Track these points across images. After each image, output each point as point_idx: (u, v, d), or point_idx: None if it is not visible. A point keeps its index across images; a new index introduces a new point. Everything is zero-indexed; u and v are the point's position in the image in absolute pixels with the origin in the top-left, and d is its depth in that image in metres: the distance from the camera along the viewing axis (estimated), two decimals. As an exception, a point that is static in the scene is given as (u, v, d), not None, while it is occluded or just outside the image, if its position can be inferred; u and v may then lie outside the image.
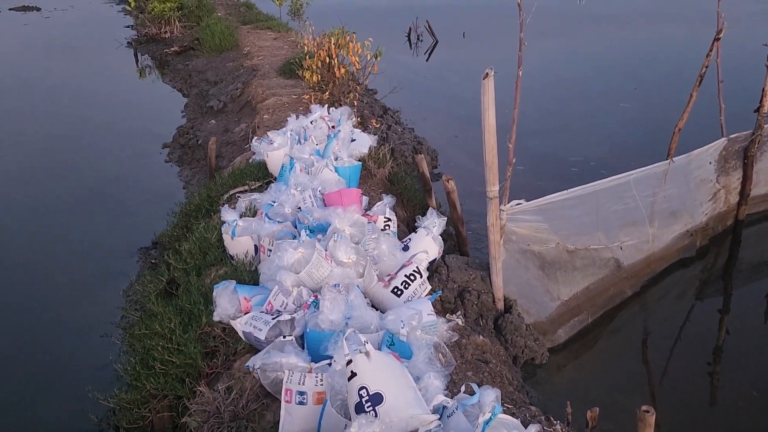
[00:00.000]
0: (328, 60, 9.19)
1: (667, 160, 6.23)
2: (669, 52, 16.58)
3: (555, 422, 3.43)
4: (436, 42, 19.73)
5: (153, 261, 6.60)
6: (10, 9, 28.49)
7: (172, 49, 18.14)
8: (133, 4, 23.35)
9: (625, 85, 14.01)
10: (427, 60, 18.31)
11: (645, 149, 8.72)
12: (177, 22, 20.06)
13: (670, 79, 13.66)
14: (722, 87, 6.73)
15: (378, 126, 9.33)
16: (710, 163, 6.82)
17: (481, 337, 4.27)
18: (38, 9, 28.67)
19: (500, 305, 5.01)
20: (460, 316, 4.42)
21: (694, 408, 5.03)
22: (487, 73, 4.32)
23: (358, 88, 9.78)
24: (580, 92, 13.79)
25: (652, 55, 16.68)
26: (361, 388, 2.85)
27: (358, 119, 8.56)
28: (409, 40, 20.18)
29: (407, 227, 6.03)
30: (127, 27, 23.37)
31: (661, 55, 16.48)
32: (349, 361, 2.93)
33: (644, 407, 3.19)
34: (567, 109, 12.57)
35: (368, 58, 9.50)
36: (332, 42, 9.22)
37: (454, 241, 6.30)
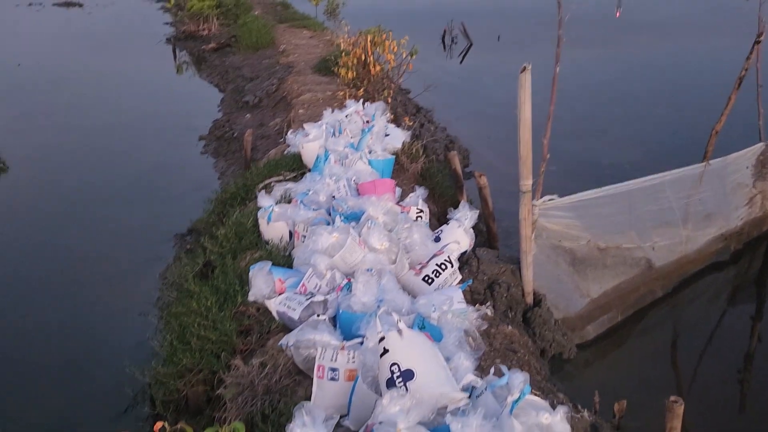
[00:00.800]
0: (363, 57, 9.29)
1: (703, 162, 6.18)
2: (708, 59, 16.36)
3: (582, 410, 3.45)
4: (471, 44, 19.74)
5: (188, 247, 6.76)
6: (53, 4, 29.22)
7: (210, 45, 18.44)
8: (172, 2, 23.80)
9: (662, 90, 13.87)
10: (461, 62, 18.32)
11: (680, 154, 8.61)
12: (215, 20, 20.38)
13: (708, 86, 13.46)
14: (761, 91, 6.66)
15: (411, 123, 9.40)
16: (747, 167, 6.75)
17: (509, 327, 4.31)
18: (81, 5, 29.34)
19: (529, 299, 5.04)
20: (490, 307, 4.46)
21: (723, 414, 4.98)
22: (525, 67, 4.36)
23: (392, 86, 9.87)
24: (617, 96, 13.68)
25: (690, 61, 16.48)
26: (393, 364, 2.92)
27: (392, 116, 8.64)
28: (444, 42, 20.21)
29: (438, 222, 6.08)
30: (166, 24, 23.82)
31: (700, 62, 16.28)
32: (382, 338, 3.00)
33: (673, 397, 3.21)
34: (603, 113, 12.50)
35: (403, 56, 9.59)
36: (368, 39, 9.32)
37: (484, 237, 6.34)
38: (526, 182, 4.75)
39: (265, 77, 13.29)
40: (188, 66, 17.94)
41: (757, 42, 6.04)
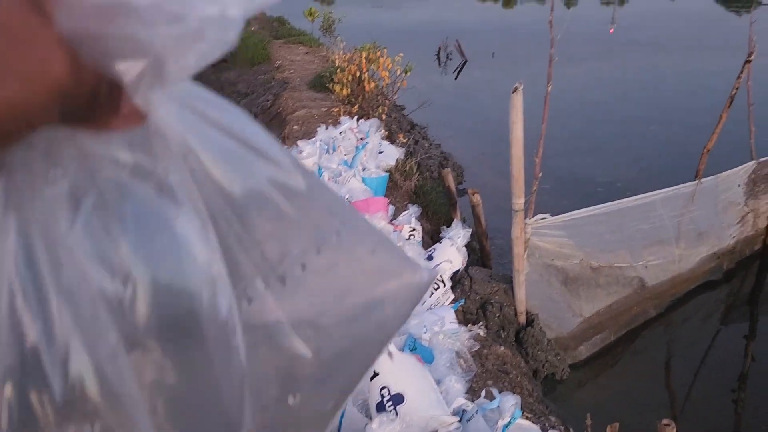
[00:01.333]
0: (358, 74, 9.33)
1: (695, 181, 6.20)
2: (700, 78, 16.51)
3: (574, 433, 3.43)
4: (465, 61, 19.86)
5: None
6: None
7: (206, 61, 18.48)
8: (169, 17, 23.87)
9: (654, 108, 13.97)
10: (455, 79, 18.43)
11: (673, 172, 8.65)
12: (211, 35, 20.42)
13: (700, 104, 13.58)
14: (753, 110, 6.70)
15: (405, 141, 9.42)
16: (739, 185, 6.77)
17: (502, 347, 4.29)
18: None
19: (522, 318, 5.02)
20: (482, 327, 4.45)
21: (717, 434, 4.97)
22: (516, 88, 4.38)
23: (387, 102, 9.90)
24: (609, 115, 13.77)
25: (683, 79, 16.61)
26: (383, 387, 2.90)
27: (386, 133, 8.66)
28: (438, 59, 20.34)
29: (431, 240, 6.08)
30: (163, 39, 23.89)
31: (692, 80, 16.41)
32: (372, 361, 2.98)
33: (665, 420, 3.19)
34: (595, 131, 12.56)
35: (398, 73, 9.63)
36: (363, 56, 9.36)
37: (478, 255, 6.33)
38: (519, 201, 4.76)
39: (261, 93, 13.33)
40: (184, 81, 17.96)
41: (748, 61, 6.09)
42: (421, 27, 25.29)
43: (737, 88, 6.04)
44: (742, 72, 6.02)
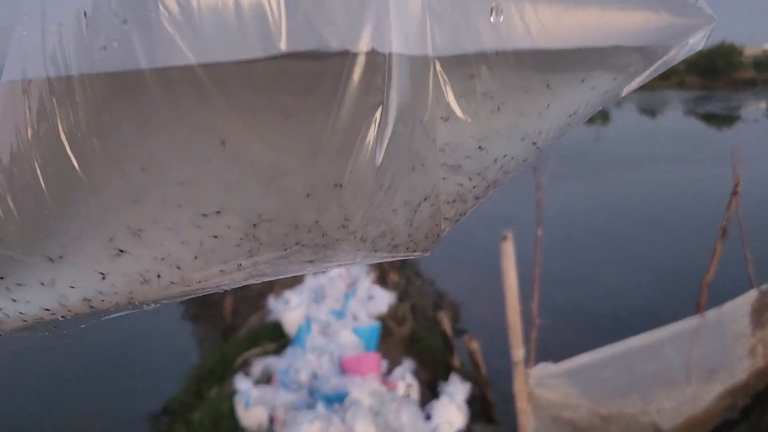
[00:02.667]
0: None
1: (698, 314, 5.99)
2: (691, 195, 16.70)
3: None
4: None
5: (163, 429, 6.29)
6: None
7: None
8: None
9: (648, 230, 13.98)
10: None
11: (675, 298, 8.47)
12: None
13: (694, 224, 13.62)
14: (746, 238, 6.61)
15: (397, 280, 9.26)
16: (743, 316, 6.54)
17: None
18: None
19: (532, 481, 4.61)
20: (490, 497, 4.05)
21: None
22: (506, 236, 4.27)
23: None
24: (603, 238, 13.75)
25: (672, 196, 16.79)
26: None
27: (378, 274, 8.50)
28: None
29: (429, 390, 5.74)
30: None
31: (681, 197, 16.60)
32: None
33: None
34: (591, 257, 12.46)
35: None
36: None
37: (480, 403, 5.96)
38: (517, 351, 4.51)
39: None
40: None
41: (734, 193, 6.06)
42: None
43: (728, 220, 5.97)
44: (730, 204, 5.98)
